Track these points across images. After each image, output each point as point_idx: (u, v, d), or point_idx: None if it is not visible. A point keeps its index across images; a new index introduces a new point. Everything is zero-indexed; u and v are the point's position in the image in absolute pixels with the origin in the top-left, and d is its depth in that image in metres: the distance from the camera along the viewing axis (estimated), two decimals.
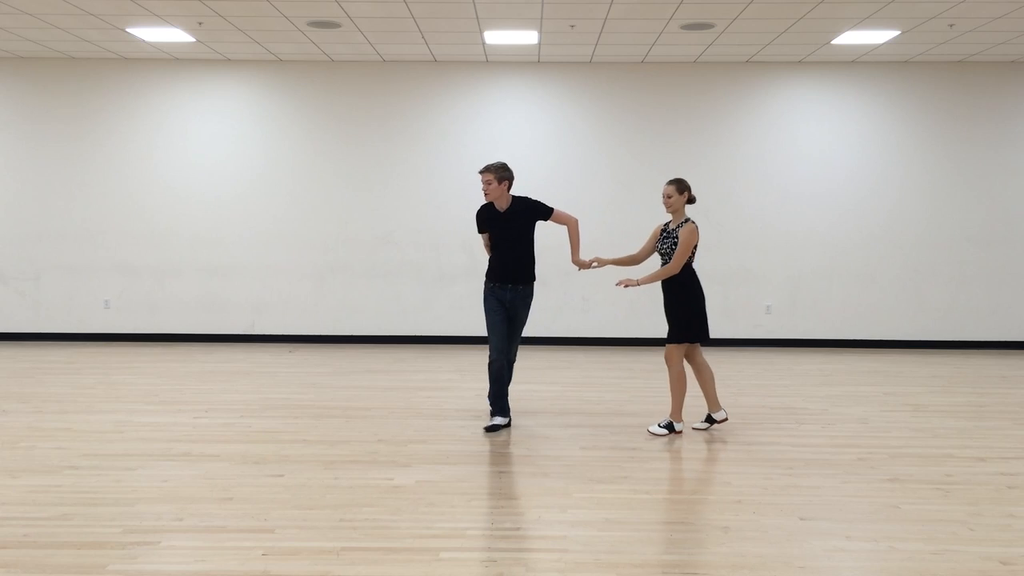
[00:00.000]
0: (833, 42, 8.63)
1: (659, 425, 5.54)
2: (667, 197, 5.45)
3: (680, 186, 5.45)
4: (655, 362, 8.34)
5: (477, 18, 7.81)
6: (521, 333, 5.79)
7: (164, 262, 9.83)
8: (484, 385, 7.27)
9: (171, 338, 9.88)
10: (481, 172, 5.60)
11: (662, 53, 9.18)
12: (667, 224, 5.55)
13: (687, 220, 5.42)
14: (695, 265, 5.52)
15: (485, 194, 5.61)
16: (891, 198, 9.73)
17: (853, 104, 9.69)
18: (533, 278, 5.69)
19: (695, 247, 5.40)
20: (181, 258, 9.83)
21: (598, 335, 9.85)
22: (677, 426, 5.53)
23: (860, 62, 9.57)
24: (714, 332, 9.74)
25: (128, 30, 8.32)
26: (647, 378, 7.65)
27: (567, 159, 9.75)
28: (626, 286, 5.33)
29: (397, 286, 9.87)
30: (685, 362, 5.55)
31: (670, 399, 5.70)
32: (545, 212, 5.65)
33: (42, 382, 7.23)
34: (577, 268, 5.77)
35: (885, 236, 9.74)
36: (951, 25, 7.95)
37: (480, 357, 8.83)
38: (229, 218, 9.80)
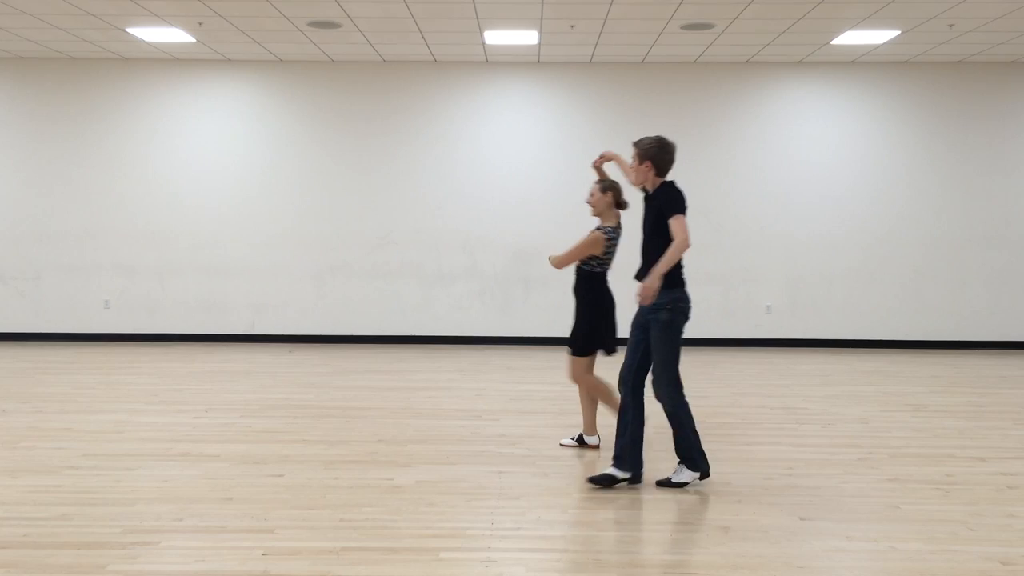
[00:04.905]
0: (833, 42, 8.63)
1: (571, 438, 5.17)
2: (590, 195, 5.09)
3: (602, 185, 5.05)
4: None
5: (477, 18, 7.81)
6: (657, 360, 4.31)
7: (164, 262, 9.83)
8: (484, 385, 7.27)
9: (171, 338, 9.88)
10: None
11: (662, 53, 9.18)
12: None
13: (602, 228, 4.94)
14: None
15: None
16: (892, 198, 9.72)
17: (853, 104, 9.69)
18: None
19: (593, 256, 4.94)
20: (181, 258, 9.83)
21: None
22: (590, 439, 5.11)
23: (860, 62, 9.56)
24: (714, 332, 9.77)
25: (128, 30, 8.32)
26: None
27: (567, 159, 9.73)
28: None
29: (397, 286, 9.86)
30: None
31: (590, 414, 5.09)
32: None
33: (42, 382, 7.23)
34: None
35: (885, 236, 9.74)
36: (951, 25, 7.94)
37: (480, 357, 8.83)
38: (229, 218, 9.81)
